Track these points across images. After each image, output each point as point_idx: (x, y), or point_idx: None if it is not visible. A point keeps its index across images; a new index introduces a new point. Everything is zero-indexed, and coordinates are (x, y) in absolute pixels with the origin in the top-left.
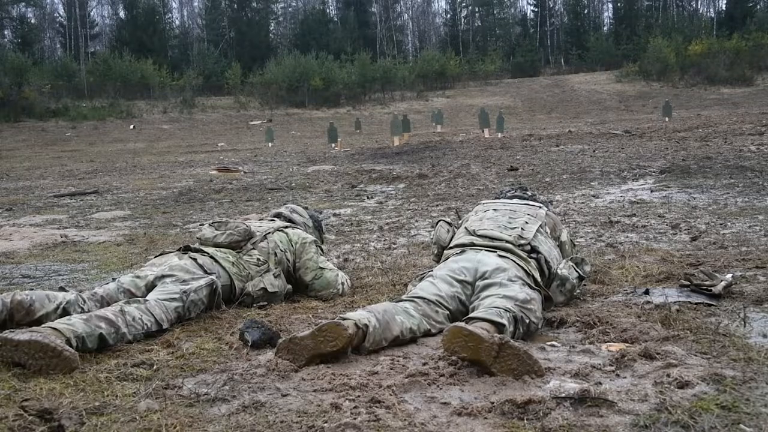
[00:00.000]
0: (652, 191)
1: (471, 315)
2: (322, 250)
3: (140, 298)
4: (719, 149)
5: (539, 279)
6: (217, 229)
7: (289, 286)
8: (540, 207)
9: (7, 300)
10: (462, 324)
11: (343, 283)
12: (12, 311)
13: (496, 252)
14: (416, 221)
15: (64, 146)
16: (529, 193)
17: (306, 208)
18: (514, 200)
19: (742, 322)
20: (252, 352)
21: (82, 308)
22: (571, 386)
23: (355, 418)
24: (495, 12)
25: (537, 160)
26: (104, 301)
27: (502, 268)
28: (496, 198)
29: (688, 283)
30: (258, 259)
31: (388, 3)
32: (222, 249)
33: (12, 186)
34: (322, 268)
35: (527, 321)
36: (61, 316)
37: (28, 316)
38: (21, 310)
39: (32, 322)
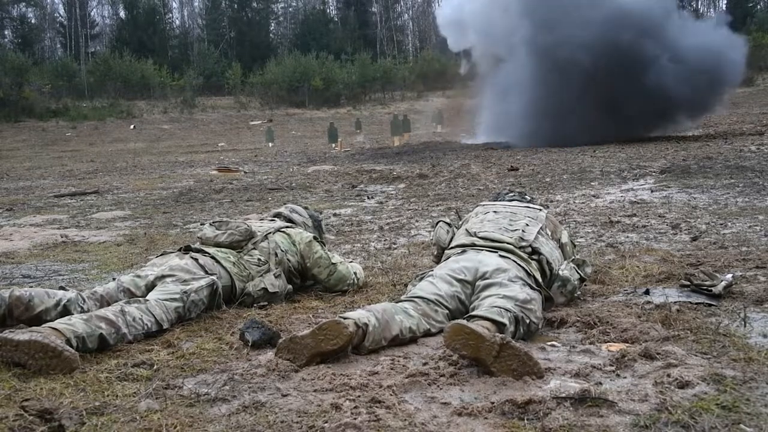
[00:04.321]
0: (652, 191)
1: (472, 313)
2: (323, 243)
3: (140, 298)
4: (719, 149)
5: (540, 280)
6: (218, 229)
7: (290, 286)
8: (540, 209)
9: (5, 295)
10: (464, 322)
11: (355, 273)
12: (11, 306)
13: (497, 252)
14: (416, 221)
15: (64, 146)
16: (528, 197)
17: (306, 208)
18: (514, 202)
19: (743, 322)
20: (252, 352)
21: (82, 308)
22: (572, 386)
23: (355, 418)
24: None
25: (537, 160)
26: (104, 301)
27: (503, 269)
28: (494, 200)
29: (689, 283)
30: (259, 259)
31: (388, 3)
32: (223, 249)
33: (12, 186)
34: (334, 264)
35: (527, 321)
36: (62, 313)
37: (27, 312)
38: (20, 305)
39: (31, 318)
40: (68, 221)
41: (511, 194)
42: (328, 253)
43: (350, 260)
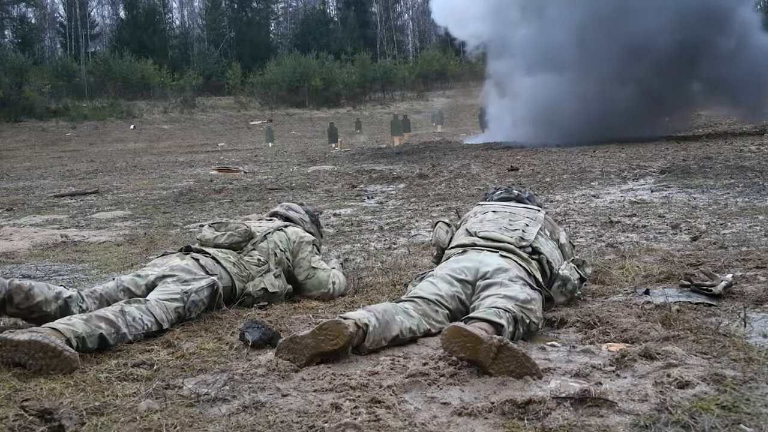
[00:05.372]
0: (652, 191)
1: (470, 315)
2: (318, 249)
3: (141, 298)
4: (719, 149)
5: (540, 279)
6: (217, 230)
7: (290, 286)
8: (539, 210)
9: (5, 281)
10: (461, 324)
11: (334, 283)
12: (11, 292)
13: (498, 252)
14: (416, 221)
15: (64, 146)
16: (516, 192)
17: (301, 205)
18: (512, 202)
19: (743, 322)
20: (252, 352)
21: (81, 307)
22: (572, 386)
23: (355, 418)
24: None
25: (537, 160)
26: (103, 300)
27: (504, 269)
28: (483, 200)
29: (689, 283)
30: (258, 260)
31: (388, 3)
32: (223, 249)
33: (12, 186)
34: (314, 268)
35: (527, 321)
36: (62, 306)
37: (27, 300)
38: (20, 293)
39: (31, 307)
40: (68, 221)
41: (499, 192)
42: (316, 257)
43: (333, 267)
